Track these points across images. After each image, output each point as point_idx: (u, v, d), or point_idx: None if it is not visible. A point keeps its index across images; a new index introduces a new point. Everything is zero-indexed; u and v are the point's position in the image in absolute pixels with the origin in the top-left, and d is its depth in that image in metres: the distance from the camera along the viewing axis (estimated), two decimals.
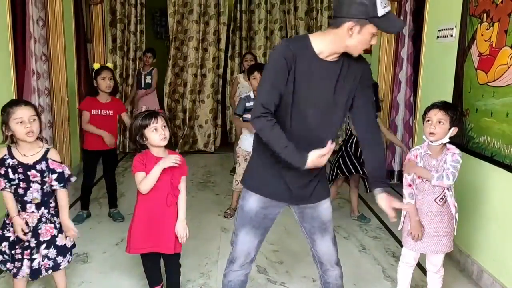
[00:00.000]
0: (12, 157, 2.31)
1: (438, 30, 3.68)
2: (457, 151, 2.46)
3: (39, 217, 2.39)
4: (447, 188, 2.47)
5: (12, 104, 2.35)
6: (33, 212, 2.37)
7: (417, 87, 4.29)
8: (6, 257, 2.40)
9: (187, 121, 6.89)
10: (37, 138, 2.36)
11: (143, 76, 6.28)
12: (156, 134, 2.44)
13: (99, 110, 3.80)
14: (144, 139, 2.46)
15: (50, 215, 2.42)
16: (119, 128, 6.51)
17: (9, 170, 2.31)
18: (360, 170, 3.95)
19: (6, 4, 3.60)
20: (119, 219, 3.95)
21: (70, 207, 4.08)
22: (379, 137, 2.08)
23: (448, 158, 2.43)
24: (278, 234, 3.69)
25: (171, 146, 2.52)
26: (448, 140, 2.45)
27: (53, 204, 2.45)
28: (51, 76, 4.76)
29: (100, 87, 3.76)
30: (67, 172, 2.45)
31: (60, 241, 2.47)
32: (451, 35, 3.45)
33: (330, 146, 1.84)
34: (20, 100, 2.58)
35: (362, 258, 3.41)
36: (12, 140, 2.33)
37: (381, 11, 1.76)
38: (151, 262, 2.64)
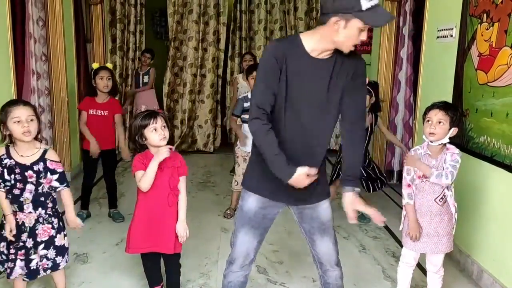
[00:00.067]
0: (10, 157, 2.31)
1: (438, 30, 3.68)
2: (457, 151, 2.46)
3: (36, 218, 2.38)
4: (447, 188, 2.47)
5: (10, 103, 2.35)
6: (30, 212, 2.37)
7: (417, 87, 4.29)
8: (4, 257, 2.40)
9: (187, 121, 6.88)
10: (35, 138, 2.36)
11: (141, 76, 6.31)
12: (156, 134, 2.44)
13: (95, 110, 3.80)
14: (144, 139, 2.46)
15: (47, 216, 2.42)
16: (124, 127, 6.54)
17: (5, 170, 2.30)
18: (361, 174, 3.95)
19: (6, 4, 3.60)
20: (119, 219, 3.95)
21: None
22: (362, 136, 2.04)
23: (447, 158, 2.43)
24: (278, 234, 3.69)
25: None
26: (448, 140, 2.45)
27: (50, 205, 2.44)
28: (51, 76, 4.77)
29: (98, 87, 3.76)
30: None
31: (59, 241, 2.46)
32: (451, 35, 3.45)
33: (315, 172, 1.87)
34: (19, 100, 2.59)
35: (362, 258, 3.41)
36: (10, 140, 2.33)
37: (365, 4, 1.72)
38: (151, 262, 2.64)
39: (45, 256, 2.42)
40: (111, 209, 4.05)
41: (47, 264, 2.44)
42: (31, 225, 2.37)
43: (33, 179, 2.34)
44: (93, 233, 3.69)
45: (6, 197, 2.36)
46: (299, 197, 2.03)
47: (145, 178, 2.42)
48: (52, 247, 2.44)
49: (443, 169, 2.41)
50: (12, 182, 2.32)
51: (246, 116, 3.83)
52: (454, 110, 2.45)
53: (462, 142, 3.15)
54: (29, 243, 2.37)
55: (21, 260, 2.37)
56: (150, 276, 2.69)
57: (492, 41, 2.89)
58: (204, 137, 6.98)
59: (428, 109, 2.47)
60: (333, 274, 2.16)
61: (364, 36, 1.81)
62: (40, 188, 2.37)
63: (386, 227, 4.02)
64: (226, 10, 6.80)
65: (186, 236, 2.55)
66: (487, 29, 2.96)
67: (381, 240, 3.76)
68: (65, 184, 2.43)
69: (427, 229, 2.50)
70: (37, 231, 2.39)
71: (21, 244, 2.37)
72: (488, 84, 2.92)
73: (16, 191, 2.34)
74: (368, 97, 3.88)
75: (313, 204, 2.08)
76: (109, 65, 3.96)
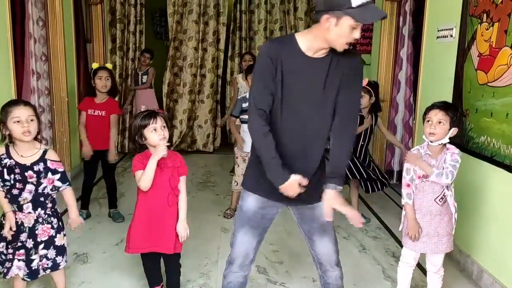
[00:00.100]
0: (10, 157, 2.31)
1: (438, 30, 3.68)
2: (457, 150, 2.46)
3: (35, 218, 2.38)
4: (447, 188, 2.47)
5: (11, 103, 2.35)
6: (29, 213, 2.37)
7: (417, 87, 4.29)
8: (3, 257, 2.40)
9: (186, 121, 6.89)
10: (35, 139, 2.36)
11: (140, 76, 6.34)
12: (155, 134, 2.43)
13: (93, 111, 3.81)
14: (143, 139, 2.46)
15: (46, 216, 2.42)
16: (118, 129, 6.53)
17: (5, 170, 2.30)
18: (360, 175, 3.95)
19: (6, 4, 3.60)
20: (119, 219, 3.95)
21: None
22: (350, 136, 2.02)
23: (447, 158, 2.43)
24: (278, 234, 3.69)
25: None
26: (448, 140, 2.45)
27: (50, 205, 2.44)
28: (51, 76, 4.77)
29: (96, 86, 3.78)
30: None
31: (58, 241, 2.47)
32: (451, 35, 3.46)
33: (307, 183, 1.90)
34: (19, 100, 2.59)
35: (362, 258, 3.41)
36: (10, 140, 2.33)
37: (355, 1, 1.72)
38: (151, 262, 2.64)
39: (45, 256, 2.42)
40: (111, 209, 4.05)
41: (47, 264, 2.44)
42: (30, 225, 2.37)
43: (33, 180, 2.34)
44: (93, 233, 3.69)
45: (5, 197, 2.36)
46: (299, 197, 2.02)
47: (144, 177, 2.42)
48: (52, 247, 2.44)
49: (443, 169, 2.41)
50: (12, 182, 2.32)
51: (244, 117, 3.84)
52: (454, 110, 2.45)
53: (462, 142, 3.15)
54: (29, 243, 2.37)
55: (19, 260, 2.36)
56: (150, 276, 2.69)
57: (492, 41, 2.89)
58: (203, 137, 6.98)
59: (428, 109, 2.47)
60: (333, 274, 2.16)
61: (357, 34, 1.80)
62: (40, 188, 2.37)
63: (386, 227, 4.02)
64: (226, 10, 6.81)
65: (187, 236, 2.56)
66: (487, 29, 2.96)
67: (381, 240, 3.76)
68: (67, 183, 2.44)
69: (427, 229, 2.50)
70: (36, 231, 2.39)
71: (19, 244, 2.36)
72: (488, 84, 2.92)
73: (15, 191, 2.33)
74: (368, 97, 3.88)
75: (313, 205, 2.07)
76: (108, 65, 3.96)
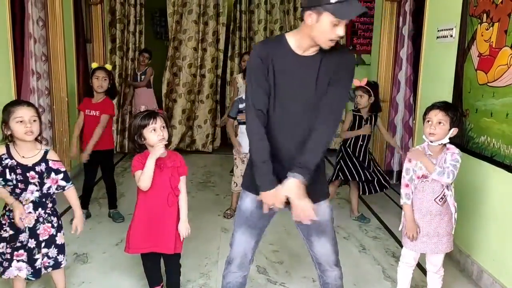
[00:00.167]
0: (11, 158, 2.31)
1: (438, 30, 3.68)
2: (457, 150, 2.46)
3: (36, 218, 2.38)
4: (447, 188, 2.47)
5: (14, 103, 2.37)
6: (30, 213, 2.37)
7: (416, 87, 4.29)
8: (3, 257, 2.40)
9: (186, 121, 6.89)
10: (35, 139, 2.36)
11: (138, 76, 6.37)
12: (155, 134, 2.43)
13: (90, 111, 3.83)
14: (143, 139, 2.46)
15: (46, 215, 2.42)
16: (117, 129, 6.54)
17: (7, 170, 2.31)
18: (359, 177, 3.95)
19: (6, 4, 3.60)
20: (119, 219, 3.95)
21: (70, 207, 4.10)
22: (330, 130, 1.95)
23: (448, 158, 2.43)
24: (278, 234, 3.69)
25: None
26: (448, 140, 2.45)
27: (50, 205, 2.45)
28: (51, 77, 4.76)
29: (93, 86, 3.78)
30: None
31: (59, 240, 2.48)
32: (451, 35, 3.46)
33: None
34: (22, 101, 2.60)
35: (362, 258, 3.41)
36: (9, 140, 2.33)
37: None
38: (151, 262, 2.64)
39: (46, 255, 2.43)
40: (111, 210, 4.05)
41: (48, 262, 2.45)
42: (30, 226, 2.37)
43: (35, 180, 2.35)
44: (93, 233, 3.69)
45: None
46: None
47: (143, 177, 2.42)
48: (53, 245, 2.45)
49: (444, 169, 2.41)
50: (14, 182, 2.32)
51: (241, 118, 3.84)
52: (454, 110, 2.45)
53: (462, 142, 3.15)
54: (32, 243, 2.38)
55: (18, 261, 2.36)
56: (150, 276, 2.69)
57: (492, 41, 2.89)
58: (203, 137, 6.98)
59: (428, 110, 2.47)
60: (332, 274, 2.15)
61: (340, 31, 1.79)
62: (45, 188, 2.38)
63: (386, 227, 4.02)
64: (225, 10, 6.80)
65: (188, 235, 2.56)
66: (487, 29, 2.96)
67: (381, 240, 3.76)
68: (70, 182, 2.46)
69: (427, 229, 2.50)
70: (38, 231, 2.39)
71: (18, 244, 2.36)
72: (488, 84, 2.92)
73: (17, 191, 2.34)
74: (367, 96, 3.88)
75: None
76: (108, 66, 3.97)
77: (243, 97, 3.88)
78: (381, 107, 4.15)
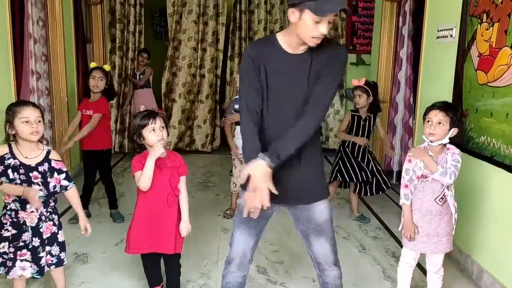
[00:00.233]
0: (14, 157, 2.32)
1: (438, 30, 3.68)
2: (457, 151, 2.46)
3: (38, 216, 2.40)
4: (447, 188, 2.47)
5: (19, 104, 2.39)
6: (32, 212, 2.38)
7: (416, 87, 4.29)
8: (6, 257, 2.40)
9: (185, 121, 6.89)
10: (38, 140, 2.38)
11: (137, 76, 6.38)
12: (154, 134, 2.43)
13: (86, 110, 3.84)
14: (142, 138, 2.46)
15: (48, 213, 2.44)
16: (117, 129, 6.54)
17: (9, 170, 2.31)
18: (356, 178, 3.95)
19: (6, 4, 3.59)
20: (119, 220, 3.95)
21: (70, 207, 4.09)
22: (311, 121, 1.91)
23: (448, 158, 2.43)
24: (278, 234, 3.70)
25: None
26: (448, 140, 2.45)
27: (52, 203, 2.46)
28: (51, 77, 4.77)
29: (90, 86, 3.79)
30: None
31: (60, 237, 2.50)
32: (451, 35, 3.46)
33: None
34: (27, 101, 2.62)
35: (362, 258, 3.41)
36: (12, 140, 2.34)
37: None
38: (151, 262, 2.64)
39: (49, 253, 2.44)
40: (112, 210, 4.05)
41: (51, 260, 2.46)
42: (33, 224, 2.38)
43: (39, 180, 2.36)
44: (93, 233, 3.61)
45: (14, 200, 2.36)
46: (294, 196, 2.03)
47: (143, 177, 2.42)
48: (56, 243, 2.46)
49: (446, 169, 2.41)
50: (18, 182, 2.33)
51: (236, 118, 3.85)
52: (454, 110, 2.45)
53: (462, 142, 3.15)
54: (36, 242, 2.39)
55: (22, 260, 2.36)
56: (150, 276, 2.69)
57: (492, 41, 2.89)
58: (202, 137, 6.98)
59: (429, 110, 2.47)
60: (331, 273, 2.15)
61: (323, 29, 1.79)
62: (51, 187, 2.40)
63: (386, 227, 4.02)
64: (225, 10, 6.80)
65: (189, 233, 2.57)
66: (487, 29, 2.96)
67: (381, 240, 3.76)
68: (72, 182, 2.48)
69: (427, 229, 2.50)
70: (41, 229, 2.41)
71: (21, 244, 2.37)
72: (488, 84, 2.92)
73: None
74: (365, 96, 3.89)
75: (309, 205, 2.06)
76: (106, 66, 3.97)
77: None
78: (381, 107, 4.14)
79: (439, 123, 2.40)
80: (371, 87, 3.94)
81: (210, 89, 6.90)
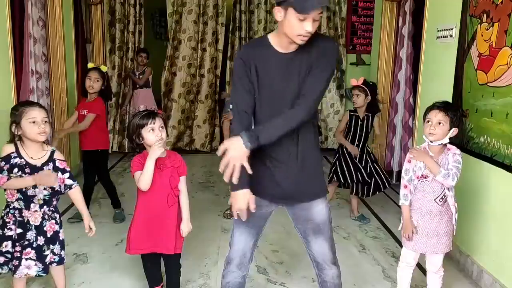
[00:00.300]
0: (20, 157, 2.34)
1: (438, 31, 3.68)
2: (458, 151, 2.46)
3: (42, 215, 2.41)
4: (447, 188, 2.47)
5: (26, 104, 2.41)
6: (36, 211, 2.39)
7: (416, 88, 4.29)
8: (9, 256, 2.40)
9: (185, 121, 6.89)
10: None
11: (137, 76, 6.35)
12: (153, 134, 2.44)
13: (82, 110, 3.86)
14: (141, 138, 2.46)
15: (50, 212, 2.46)
16: (116, 129, 6.54)
17: (16, 169, 2.32)
18: (351, 179, 3.96)
19: (5, 4, 3.59)
20: (117, 220, 3.96)
21: (70, 207, 4.10)
22: (295, 110, 1.89)
23: (449, 159, 2.43)
24: (278, 234, 3.69)
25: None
26: (448, 140, 2.45)
27: (54, 203, 2.48)
28: (51, 77, 4.76)
29: (85, 86, 3.81)
30: None
31: (61, 236, 2.52)
32: (451, 36, 3.46)
33: (253, 207, 1.91)
34: (33, 102, 2.64)
35: (362, 259, 3.41)
36: (18, 140, 2.36)
37: None
38: (151, 262, 2.64)
39: (52, 251, 2.46)
40: (114, 209, 4.05)
41: (54, 258, 2.47)
42: (37, 223, 2.39)
43: None
44: None
45: (18, 199, 2.37)
46: (292, 195, 2.04)
47: (143, 177, 2.41)
48: (58, 242, 2.48)
49: (448, 171, 2.40)
50: None
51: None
52: (455, 110, 2.45)
53: (462, 142, 3.15)
54: (41, 240, 2.40)
55: (27, 259, 2.38)
56: (150, 276, 2.68)
57: (492, 41, 2.89)
58: (202, 137, 6.98)
59: (429, 110, 2.47)
60: (330, 272, 2.15)
61: (308, 27, 1.79)
62: (56, 186, 2.41)
63: (386, 227, 4.03)
64: (224, 10, 6.80)
65: (189, 231, 2.58)
66: (487, 29, 2.96)
67: (381, 240, 3.76)
68: (76, 181, 2.50)
69: (427, 229, 2.50)
70: (45, 228, 2.42)
71: (26, 242, 2.38)
72: (488, 84, 2.92)
73: (29, 191, 2.36)
74: (363, 96, 3.89)
75: (308, 205, 2.06)
76: (103, 67, 3.97)
77: None
78: (379, 107, 4.14)
79: (439, 123, 2.40)
80: (369, 86, 3.95)
81: (210, 89, 6.91)
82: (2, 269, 2.41)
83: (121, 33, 6.57)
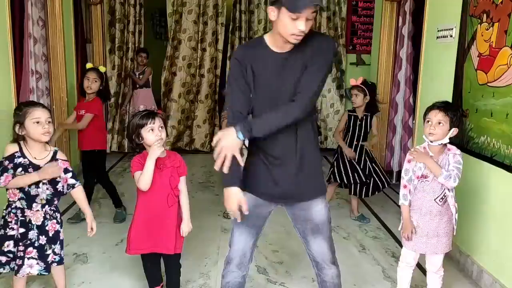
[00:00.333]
0: (24, 156, 2.35)
1: (438, 31, 3.68)
2: (458, 151, 2.46)
3: (43, 215, 2.42)
4: (448, 188, 2.47)
5: (29, 104, 2.43)
6: (37, 210, 2.40)
7: (416, 88, 4.29)
8: (11, 256, 2.41)
9: (184, 121, 6.89)
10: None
11: (137, 76, 6.34)
12: (152, 134, 2.44)
13: (80, 110, 3.87)
14: (140, 138, 2.47)
15: (52, 212, 2.46)
16: (116, 128, 6.54)
17: (20, 168, 2.33)
18: (347, 180, 3.96)
19: (5, 4, 3.59)
20: (116, 221, 3.96)
21: (70, 207, 4.10)
22: (290, 106, 1.89)
23: (450, 160, 2.43)
24: (278, 234, 3.69)
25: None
26: (448, 140, 2.45)
27: (56, 202, 2.48)
28: (51, 77, 4.76)
29: (84, 86, 3.82)
30: None
31: (61, 235, 2.52)
32: (451, 35, 3.46)
33: (246, 208, 1.91)
34: (37, 102, 2.66)
35: (362, 259, 3.41)
36: (20, 140, 2.37)
37: None
38: (151, 262, 2.64)
39: (53, 251, 2.46)
40: (116, 209, 4.06)
41: (54, 258, 2.48)
42: (38, 223, 2.40)
43: (46, 179, 2.39)
44: None
45: (20, 198, 2.37)
46: (290, 194, 2.04)
47: (143, 177, 2.41)
48: (58, 241, 2.49)
49: (449, 172, 2.40)
50: None
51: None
52: (454, 110, 2.45)
53: (462, 142, 3.15)
54: (43, 240, 2.41)
55: (29, 258, 2.38)
56: (150, 276, 2.68)
57: (492, 41, 2.89)
58: (202, 136, 6.98)
59: (429, 110, 2.47)
60: (329, 272, 2.16)
61: (300, 26, 1.79)
62: (59, 187, 2.43)
63: (386, 227, 4.03)
64: (224, 10, 6.80)
65: (190, 231, 2.58)
66: (487, 29, 2.96)
67: (381, 240, 3.76)
68: (78, 181, 2.51)
69: (427, 229, 2.50)
70: (47, 228, 2.43)
71: (28, 242, 2.38)
72: (488, 84, 2.92)
73: (31, 191, 2.36)
74: (362, 95, 3.90)
75: (307, 205, 2.07)
76: (101, 68, 3.97)
77: None
78: (378, 108, 4.13)
79: (439, 123, 2.40)
80: (368, 86, 3.95)
81: (210, 89, 6.91)
82: (4, 269, 2.41)
83: (121, 33, 6.56)
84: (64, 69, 4.86)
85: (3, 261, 2.39)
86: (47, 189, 2.40)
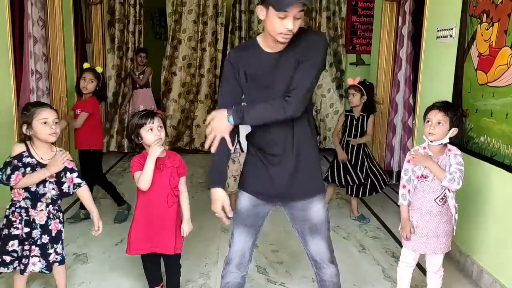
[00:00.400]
0: (31, 156, 2.36)
1: (438, 30, 3.68)
2: (458, 152, 2.46)
3: (47, 214, 2.43)
4: (448, 189, 2.47)
5: (36, 105, 2.44)
6: (41, 210, 2.41)
7: (416, 88, 4.29)
8: (15, 255, 2.41)
9: (184, 121, 6.89)
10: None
11: (137, 76, 6.32)
12: (151, 134, 2.44)
13: (76, 109, 3.88)
14: (139, 138, 2.47)
15: (55, 211, 2.47)
16: (114, 128, 6.53)
17: (28, 168, 2.33)
18: (345, 181, 3.96)
19: (5, 4, 3.59)
20: (117, 220, 3.95)
21: (70, 206, 4.10)
22: (284, 101, 1.88)
23: (451, 161, 2.42)
24: (278, 234, 3.70)
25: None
26: (448, 140, 2.45)
27: (59, 202, 2.50)
28: (51, 76, 4.76)
29: (80, 86, 3.82)
30: None
31: (63, 235, 2.53)
32: (451, 35, 3.46)
33: (229, 209, 2.00)
34: (44, 103, 2.67)
35: (361, 259, 3.41)
36: (27, 139, 2.39)
37: None
38: (151, 262, 2.64)
39: (55, 250, 2.47)
40: (118, 208, 4.05)
41: (56, 258, 2.49)
42: (42, 223, 2.41)
43: (53, 179, 2.41)
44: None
45: (25, 198, 2.38)
46: (288, 192, 2.04)
47: (143, 177, 2.42)
48: (60, 241, 2.50)
49: (452, 174, 2.40)
50: None
51: None
52: (454, 110, 2.45)
53: (462, 142, 3.15)
54: (45, 239, 2.42)
55: (33, 256, 2.39)
56: (150, 276, 2.68)
57: (492, 41, 2.89)
58: (202, 136, 6.98)
59: (429, 110, 2.47)
60: (328, 271, 2.16)
61: (288, 25, 1.79)
62: (65, 187, 2.45)
63: (386, 227, 4.03)
64: (224, 10, 6.80)
65: (190, 230, 2.58)
66: (487, 29, 2.96)
67: (381, 240, 3.76)
68: (83, 180, 2.52)
69: (427, 229, 2.50)
70: (50, 227, 2.44)
71: (31, 240, 2.39)
72: (488, 84, 2.92)
73: (39, 190, 2.37)
74: (359, 95, 3.91)
75: (305, 204, 2.07)
76: (98, 68, 3.98)
77: None
78: (376, 108, 4.13)
79: (439, 123, 2.40)
80: (365, 86, 3.96)
81: (209, 89, 6.91)
82: (8, 268, 2.41)
83: (121, 33, 6.56)
84: (64, 69, 4.86)
85: (8, 261, 2.39)
86: (52, 188, 2.41)
